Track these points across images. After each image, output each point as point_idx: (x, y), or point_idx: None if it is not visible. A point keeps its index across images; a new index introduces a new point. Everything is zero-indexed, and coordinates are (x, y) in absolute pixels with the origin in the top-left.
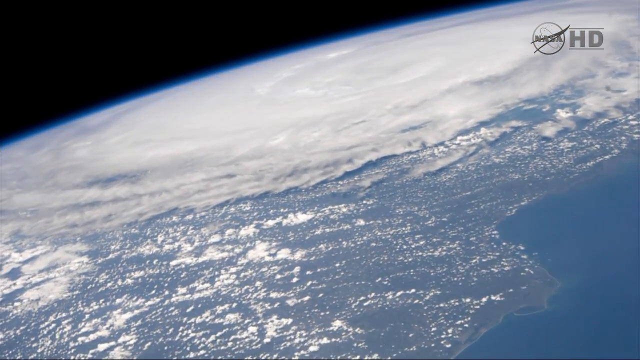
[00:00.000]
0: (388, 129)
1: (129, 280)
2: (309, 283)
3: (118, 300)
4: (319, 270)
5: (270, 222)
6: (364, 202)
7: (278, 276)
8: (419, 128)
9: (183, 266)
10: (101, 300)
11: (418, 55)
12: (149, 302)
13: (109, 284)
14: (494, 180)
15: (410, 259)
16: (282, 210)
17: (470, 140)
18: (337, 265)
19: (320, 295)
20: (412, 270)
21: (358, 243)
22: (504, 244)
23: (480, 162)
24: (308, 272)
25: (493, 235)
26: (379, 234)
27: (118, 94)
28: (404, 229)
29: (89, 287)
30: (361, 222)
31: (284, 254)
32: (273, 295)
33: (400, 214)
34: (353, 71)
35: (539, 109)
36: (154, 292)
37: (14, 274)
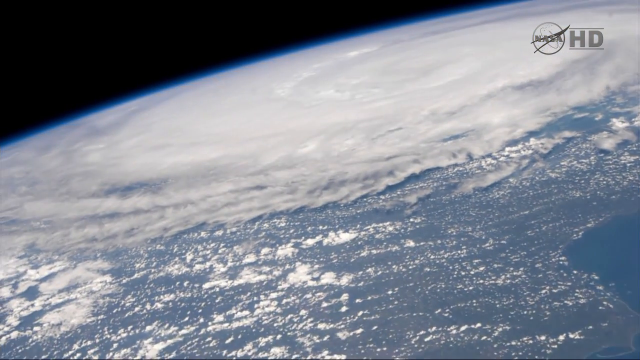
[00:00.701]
0: (428, 137)
1: (159, 305)
2: (360, 313)
3: (148, 328)
4: (369, 298)
5: (310, 241)
6: (411, 220)
7: (324, 304)
8: (461, 137)
9: (217, 290)
10: (129, 327)
11: (449, 56)
12: (183, 331)
13: (136, 308)
14: (552, 198)
15: (471, 288)
16: (321, 227)
17: (520, 152)
18: (390, 292)
19: (375, 327)
20: (474, 301)
21: (410, 267)
22: (574, 272)
23: (534, 177)
24: (358, 300)
25: (561, 262)
26: (432, 257)
27: (124, 92)
28: (459, 252)
29: (114, 311)
30: (411, 243)
31: (328, 278)
32: (321, 326)
33: (453, 235)
34: (380, 72)
35: (591, 118)
36: (187, 319)
37: (32, 293)
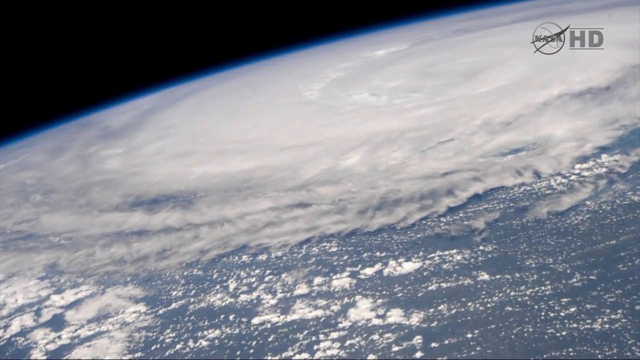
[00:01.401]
0: (485, 151)
1: (204, 342)
2: None
3: None
4: (446, 342)
5: (369, 271)
6: (481, 248)
7: (395, 348)
8: (523, 151)
9: (269, 326)
10: None
11: (490, 59)
12: None
13: (178, 346)
14: None
15: (564, 333)
16: (378, 254)
17: (592, 170)
18: (469, 336)
19: None
20: (571, 350)
21: (488, 305)
22: None
23: (615, 200)
24: (434, 345)
25: None
26: (512, 294)
27: (134, 88)
28: (543, 288)
29: (153, 348)
30: (485, 276)
31: (395, 316)
32: None
33: (532, 267)
34: (417, 75)
35: None
36: None
37: (58, 323)
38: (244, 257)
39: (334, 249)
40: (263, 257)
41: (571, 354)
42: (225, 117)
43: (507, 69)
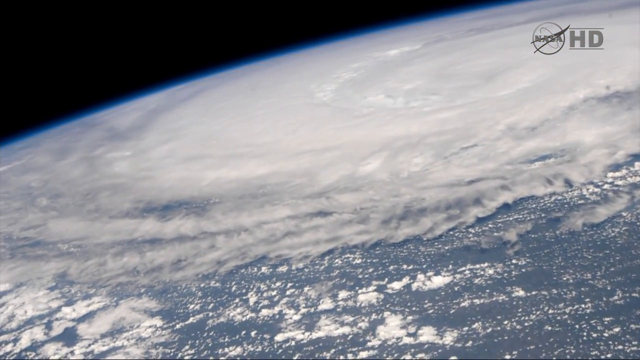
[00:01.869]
0: (511, 158)
1: None
2: None
3: None
4: None
5: (396, 285)
6: (514, 261)
7: None
8: (551, 158)
9: (293, 343)
10: None
11: (509, 60)
12: None
13: None
14: None
15: (609, 355)
16: (405, 267)
17: (626, 179)
18: (508, 357)
19: None
20: None
21: (525, 324)
22: None
23: None
24: None
25: None
26: (550, 311)
27: (137, 86)
28: (582, 306)
29: None
30: (520, 292)
31: (428, 334)
32: None
33: (570, 283)
34: (434, 76)
35: None
36: None
37: (70, 337)
38: (264, 269)
39: (358, 261)
40: (283, 268)
41: None
42: (236, 119)
43: (527, 70)
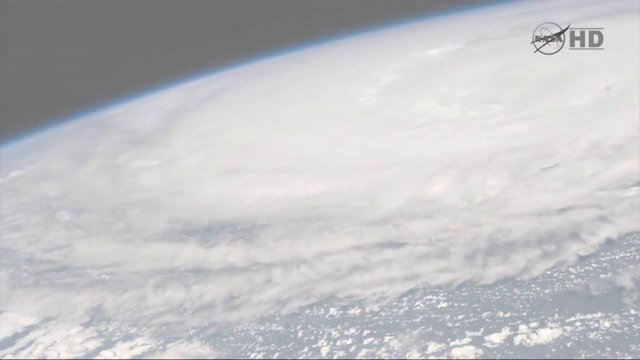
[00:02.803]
0: (603, 182)
1: None
2: None
3: None
4: None
5: (495, 337)
6: (633, 312)
7: None
8: None
9: None
10: None
11: (574, 64)
12: None
13: None
14: None
15: None
16: (501, 314)
17: None
18: None
19: None
20: None
21: None
22: None
23: None
24: None
25: None
26: None
27: (150, 82)
28: None
29: None
30: None
31: None
32: None
33: None
34: (491, 82)
35: None
36: None
37: None
38: (332, 310)
39: (444, 305)
40: (356, 311)
41: None
42: (272, 126)
43: (595, 78)
